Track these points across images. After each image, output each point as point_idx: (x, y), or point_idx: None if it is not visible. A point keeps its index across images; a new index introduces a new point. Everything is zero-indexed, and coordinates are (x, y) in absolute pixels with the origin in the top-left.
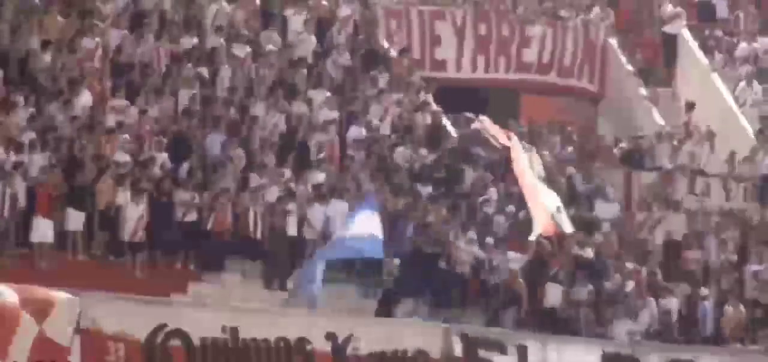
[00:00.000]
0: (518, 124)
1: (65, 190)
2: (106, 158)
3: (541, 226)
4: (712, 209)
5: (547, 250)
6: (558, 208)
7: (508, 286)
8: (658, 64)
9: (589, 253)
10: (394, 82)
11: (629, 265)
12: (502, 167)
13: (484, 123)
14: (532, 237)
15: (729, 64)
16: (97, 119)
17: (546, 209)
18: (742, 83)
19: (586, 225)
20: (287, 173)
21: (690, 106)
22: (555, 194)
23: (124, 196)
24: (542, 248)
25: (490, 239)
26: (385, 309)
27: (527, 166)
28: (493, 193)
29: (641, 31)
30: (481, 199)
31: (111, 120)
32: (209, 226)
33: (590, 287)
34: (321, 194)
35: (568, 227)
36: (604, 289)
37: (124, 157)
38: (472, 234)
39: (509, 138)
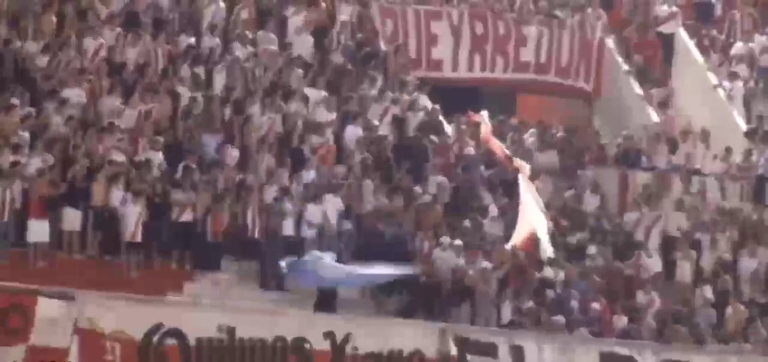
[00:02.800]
0: (518, 123)
1: (60, 190)
2: (100, 158)
3: (518, 239)
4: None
5: (514, 263)
6: (543, 232)
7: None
8: (654, 63)
9: (549, 272)
10: (390, 81)
11: (596, 305)
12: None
13: (483, 118)
14: (508, 246)
15: (725, 63)
16: (92, 118)
17: (530, 227)
18: (727, 83)
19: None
20: (284, 172)
21: (663, 105)
22: (545, 221)
23: (121, 196)
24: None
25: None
26: (326, 305)
27: (528, 188)
28: (493, 209)
29: (637, 30)
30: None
31: (105, 119)
32: (208, 228)
33: (531, 304)
34: (315, 193)
35: (546, 252)
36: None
37: (118, 156)
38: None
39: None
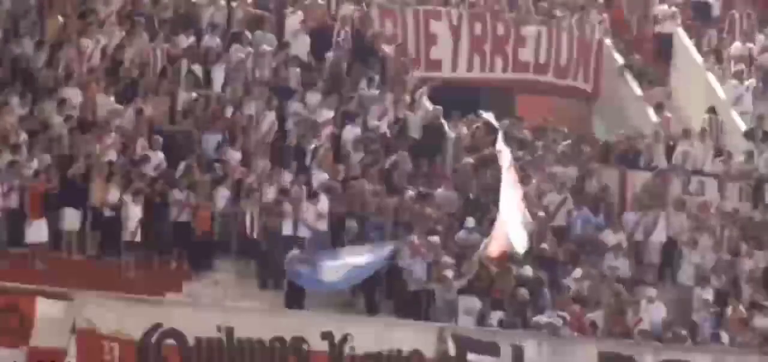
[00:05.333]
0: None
1: (58, 189)
2: (98, 157)
3: (492, 248)
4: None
5: (489, 274)
6: (520, 225)
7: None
8: (653, 63)
9: (528, 271)
10: (389, 81)
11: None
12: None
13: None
14: (477, 256)
15: (723, 63)
16: (90, 117)
17: (506, 230)
18: (734, 81)
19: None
20: (283, 172)
21: (659, 107)
22: (522, 213)
23: (120, 196)
24: (485, 270)
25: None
26: (295, 301)
27: (512, 181)
28: (470, 220)
29: (635, 30)
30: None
31: (103, 119)
32: (192, 225)
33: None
34: (314, 194)
35: (520, 247)
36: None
37: (116, 156)
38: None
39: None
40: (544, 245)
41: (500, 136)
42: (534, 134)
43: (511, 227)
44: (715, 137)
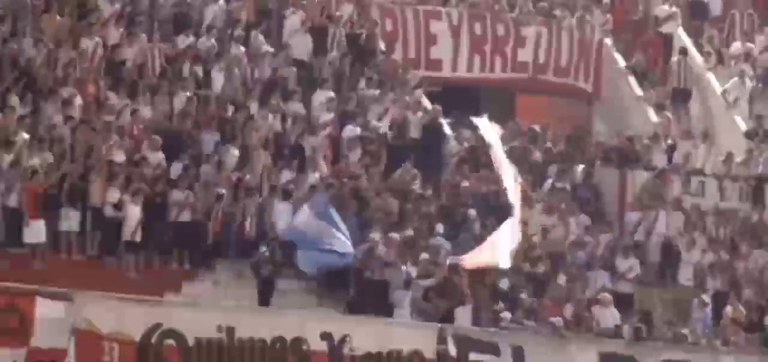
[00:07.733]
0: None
1: (57, 189)
2: (99, 158)
3: (470, 259)
4: (708, 208)
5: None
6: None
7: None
8: (654, 63)
9: (505, 284)
10: (389, 81)
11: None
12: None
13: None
14: (448, 261)
15: (723, 62)
16: (90, 118)
17: (489, 254)
18: (735, 79)
19: None
20: (284, 172)
21: (659, 107)
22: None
23: (120, 196)
24: (453, 274)
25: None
26: (265, 297)
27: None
28: (439, 227)
29: (636, 31)
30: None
31: (104, 119)
32: (209, 228)
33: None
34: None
35: (502, 262)
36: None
37: (117, 156)
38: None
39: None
40: (543, 267)
41: (500, 150)
42: (545, 153)
43: (500, 242)
44: (684, 79)
